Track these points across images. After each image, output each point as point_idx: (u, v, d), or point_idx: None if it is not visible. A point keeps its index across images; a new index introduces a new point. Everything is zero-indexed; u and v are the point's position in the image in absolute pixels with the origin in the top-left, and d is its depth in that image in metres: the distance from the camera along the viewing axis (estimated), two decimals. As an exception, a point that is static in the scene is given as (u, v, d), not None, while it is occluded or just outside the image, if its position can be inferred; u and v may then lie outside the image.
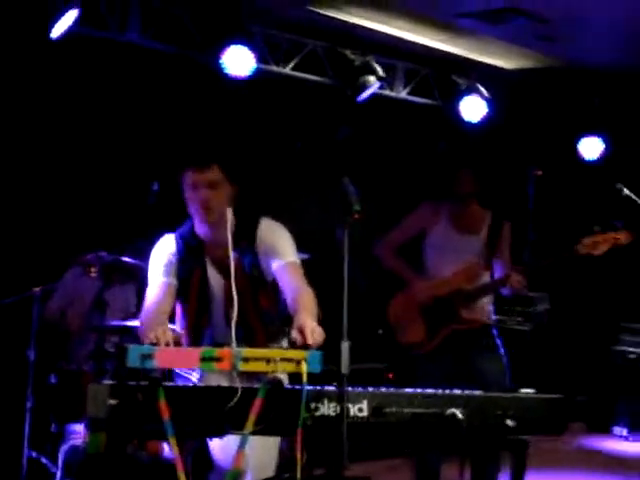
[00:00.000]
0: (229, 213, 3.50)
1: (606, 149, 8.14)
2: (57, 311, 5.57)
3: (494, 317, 4.87)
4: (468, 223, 4.79)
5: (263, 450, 3.33)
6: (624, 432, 8.32)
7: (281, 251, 3.52)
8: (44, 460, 4.93)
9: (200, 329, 3.53)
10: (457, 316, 4.71)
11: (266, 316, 3.53)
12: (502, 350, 4.74)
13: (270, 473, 3.46)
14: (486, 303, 4.79)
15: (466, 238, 4.77)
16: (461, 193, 4.73)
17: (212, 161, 3.47)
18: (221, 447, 3.28)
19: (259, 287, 3.54)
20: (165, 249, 3.58)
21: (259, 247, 3.53)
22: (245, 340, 3.32)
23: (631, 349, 8.19)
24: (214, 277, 3.55)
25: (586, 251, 4.41)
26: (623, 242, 4.37)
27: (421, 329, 4.77)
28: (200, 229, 3.55)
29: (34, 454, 4.96)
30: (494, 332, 4.80)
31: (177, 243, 3.58)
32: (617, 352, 8.27)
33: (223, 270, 3.49)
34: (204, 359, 2.68)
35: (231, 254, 3.40)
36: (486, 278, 4.77)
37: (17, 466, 4.91)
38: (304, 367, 2.71)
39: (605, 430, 8.44)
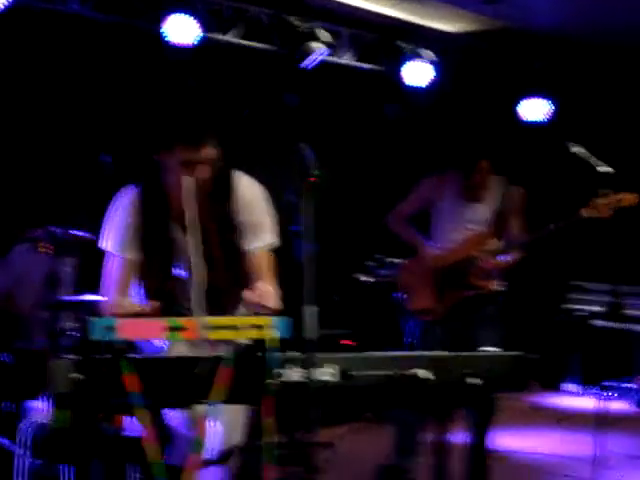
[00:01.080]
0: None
1: (552, 111, 8.22)
2: (4, 294, 5.45)
3: (503, 284, 4.94)
4: (475, 192, 4.87)
5: (230, 418, 3.31)
6: (574, 388, 8.49)
7: (259, 230, 3.41)
8: (0, 440, 4.86)
9: (168, 297, 3.34)
10: (466, 283, 4.81)
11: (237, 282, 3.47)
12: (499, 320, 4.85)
13: (238, 441, 3.45)
14: (494, 270, 4.85)
15: (473, 207, 4.88)
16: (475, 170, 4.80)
17: (208, 137, 3.25)
18: (181, 417, 3.26)
19: (234, 249, 3.40)
20: (126, 207, 3.35)
21: (240, 210, 3.39)
22: (216, 308, 3.26)
23: (579, 307, 8.34)
24: (180, 238, 3.33)
25: (590, 214, 4.45)
26: (627, 203, 4.42)
27: (431, 296, 4.88)
28: (173, 181, 3.29)
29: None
30: (500, 299, 4.91)
31: (140, 198, 3.36)
32: (566, 310, 8.41)
33: (193, 231, 3.28)
34: (169, 329, 2.64)
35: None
36: (495, 245, 4.83)
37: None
38: (271, 333, 2.69)
39: (556, 387, 8.61)
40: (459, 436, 4.55)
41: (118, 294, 3.33)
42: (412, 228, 5.08)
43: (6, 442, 4.79)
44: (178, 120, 3.29)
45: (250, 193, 3.45)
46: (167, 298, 3.34)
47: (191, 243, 3.28)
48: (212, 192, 3.36)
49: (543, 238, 4.67)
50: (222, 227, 3.40)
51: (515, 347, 3.17)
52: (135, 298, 3.47)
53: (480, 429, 4.75)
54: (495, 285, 4.89)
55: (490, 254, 4.79)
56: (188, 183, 3.23)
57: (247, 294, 3.11)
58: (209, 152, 3.25)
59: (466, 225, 4.88)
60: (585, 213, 4.46)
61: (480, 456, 4.77)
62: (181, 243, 3.35)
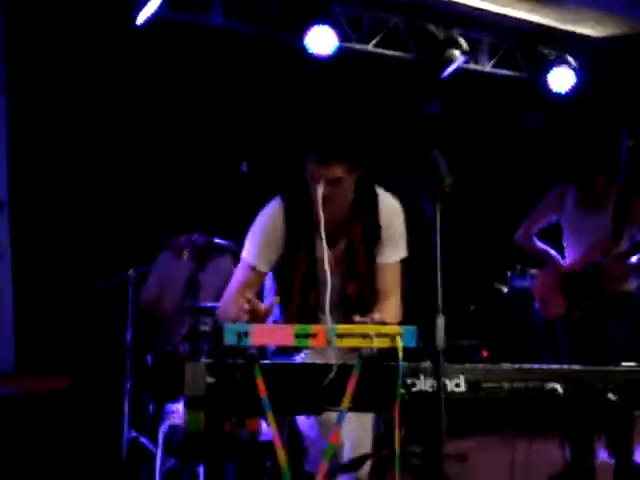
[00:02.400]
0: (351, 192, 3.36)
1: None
2: (152, 294, 5.66)
3: (635, 285, 4.90)
4: (593, 200, 4.88)
5: (359, 426, 3.32)
6: None
7: (393, 244, 3.46)
8: (144, 440, 5.04)
9: (307, 308, 3.38)
10: (598, 287, 4.80)
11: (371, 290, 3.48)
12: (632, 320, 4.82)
13: (367, 449, 3.46)
14: (624, 272, 4.83)
15: (592, 216, 4.87)
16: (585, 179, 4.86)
17: (337, 157, 3.22)
18: (314, 424, 3.29)
19: (372, 262, 3.45)
20: (270, 218, 3.41)
21: (382, 221, 3.44)
22: (348, 313, 3.24)
23: None
24: (324, 248, 3.28)
25: None
26: None
27: (563, 302, 4.92)
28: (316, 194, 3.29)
29: (134, 434, 5.07)
30: (633, 300, 4.87)
31: (285, 209, 3.40)
32: None
33: (334, 241, 3.35)
34: (298, 336, 2.68)
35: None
36: (620, 248, 4.81)
37: (118, 446, 5.03)
38: (400, 342, 2.69)
39: None
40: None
41: (235, 294, 3.34)
42: (539, 242, 5.14)
43: (148, 443, 4.98)
44: (311, 134, 3.33)
45: (391, 210, 3.49)
46: (308, 310, 3.40)
47: (331, 254, 3.32)
48: (356, 205, 3.40)
49: None
50: (367, 240, 3.44)
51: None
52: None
53: (623, 448, 4.57)
54: (628, 286, 4.84)
55: (617, 257, 4.76)
56: (323, 194, 3.25)
57: (374, 316, 3.08)
58: (338, 171, 3.24)
59: (590, 233, 4.87)
60: None
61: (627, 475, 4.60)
62: (321, 254, 3.34)
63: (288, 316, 3.41)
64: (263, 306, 3.01)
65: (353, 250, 3.42)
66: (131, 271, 5.21)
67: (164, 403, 4.86)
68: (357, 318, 2.94)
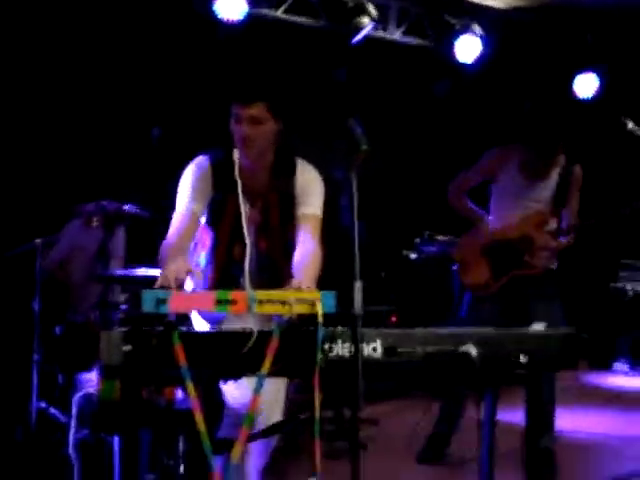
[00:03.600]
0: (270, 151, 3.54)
1: (601, 86, 8.08)
2: (57, 262, 5.56)
3: (556, 263, 4.91)
4: (538, 169, 4.81)
5: (272, 393, 3.34)
6: (625, 368, 8.40)
7: (310, 200, 3.56)
8: (53, 410, 4.96)
9: (232, 260, 3.52)
10: (522, 261, 4.79)
11: (290, 253, 3.54)
12: (558, 298, 4.84)
13: (279, 416, 3.48)
14: (552, 250, 4.84)
15: (535, 184, 4.81)
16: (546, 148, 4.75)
17: (258, 97, 3.42)
18: (233, 390, 3.30)
19: (289, 224, 3.57)
20: (198, 170, 3.53)
21: (297, 188, 3.57)
22: (269, 274, 3.44)
23: (630, 286, 8.24)
24: (245, 206, 3.53)
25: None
26: None
27: (485, 271, 4.88)
28: (240, 156, 3.53)
29: (43, 405, 4.98)
30: (555, 278, 4.88)
31: (212, 165, 3.54)
32: (617, 289, 8.32)
33: (253, 200, 3.51)
34: (219, 302, 2.67)
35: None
36: (553, 225, 4.81)
37: (27, 418, 4.94)
38: (319, 308, 2.70)
39: (606, 366, 8.52)
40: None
41: (178, 241, 3.41)
42: (470, 202, 5.04)
43: (58, 413, 4.90)
44: (234, 77, 3.41)
45: (308, 175, 3.62)
46: (233, 263, 3.51)
47: (250, 213, 3.47)
48: (275, 168, 3.56)
49: (608, 221, 4.68)
50: (283, 199, 3.56)
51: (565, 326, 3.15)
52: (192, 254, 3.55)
53: (533, 405, 4.72)
54: (551, 264, 4.86)
55: (550, 234, 4.76)
56: (246, 156, 3.47)
57: (294, 280, 3.14)
58: (258, 111, 3.40)
59: (527, 202, 4.82)
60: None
61: (537, 433, 4.75)
62: (245, 212, 3.53)
63: (214, 267, 3.54)
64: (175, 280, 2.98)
65: (268, 209, 3.55)
66: (38, 240, 5.09)
67: (74, 373, 4.79)
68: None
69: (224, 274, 3.37)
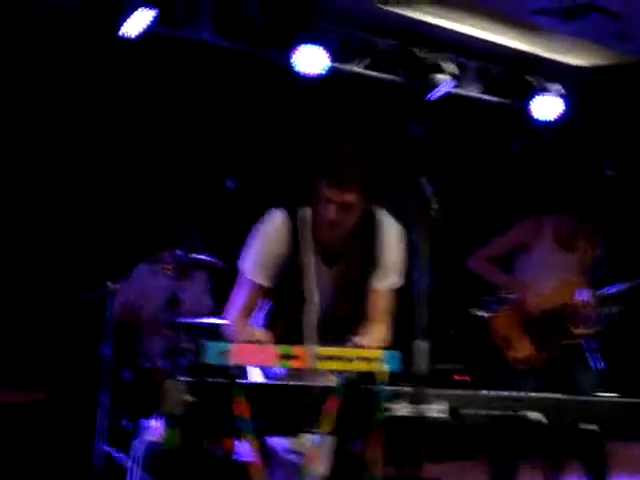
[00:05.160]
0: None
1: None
2: (126, 306, 5.61)
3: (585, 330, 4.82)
4: (569, 240, 4.80)
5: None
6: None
7: (386, 269, 3.45)
8: (116, 454, 4.99)
9: (294, 326, 3.39)
10: (567, 331, 4.71)
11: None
12: (600, 363, 4.77)
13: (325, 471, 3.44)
14: (593, 318, 4.75)
15: (567, 256, 4.80)
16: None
17: (353, 185, 3.26)
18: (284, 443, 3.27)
19: (367, 288, 3.46)
20: (273, 227, 3.41)
21: (378, 249, 3.45)
22: (340, 336, 3.26)
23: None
24: (318, 268, 3.38)
25: None
26: None
27: (529, 344, 4.79)
28: (321, 216, 3.34)
29: (107, 448, 5.02)
30: (594, 344, 4.80)
31: (289, 221, 3.41)
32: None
33: (329, 260, 3.39)
34: (281, 357, 2.67)
35: None
36: (591, 294, 4.74)
37: (90, 460, 4.98)
38: (381, 366, 2.69)
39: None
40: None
41: (241, 315, 3.39)
42: (499, 268, 4.95)
43: (122, 457, 4.94)
44: (333, 158, 3.34)
45: (393, 234, 3.49)
46: (295, 326, 3.39)
47: (326, 274, 3.37)
48: (358, 228, 3.41)
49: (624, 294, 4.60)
50: (365, 262, 3.45)
51: (622, 392, 3.06)
52: (257, 324, 3.52)
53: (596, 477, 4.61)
54: (592, 330, 4.77)
55: (591, 303, 4.68)
56: (331, 218, 3.29)
57: (357, 339, 3.12)
58: (351, 198, 3.27)
59: (560, 272, 4.77)
60: None
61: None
62: (316, 270, 3.40)
63: (275, 331, 3.35)
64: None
65: (351, 272, 3.43)
66: (110, 284, 5.17)
67: (139, 419, 4.83)
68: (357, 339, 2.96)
69: (286, 337, 3.18)
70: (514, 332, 4.83)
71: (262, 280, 3.40)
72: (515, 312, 4.86)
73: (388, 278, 3.46)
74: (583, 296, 4.70)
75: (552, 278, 4.77)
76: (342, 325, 3.39)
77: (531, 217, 4.93)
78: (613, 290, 4.70)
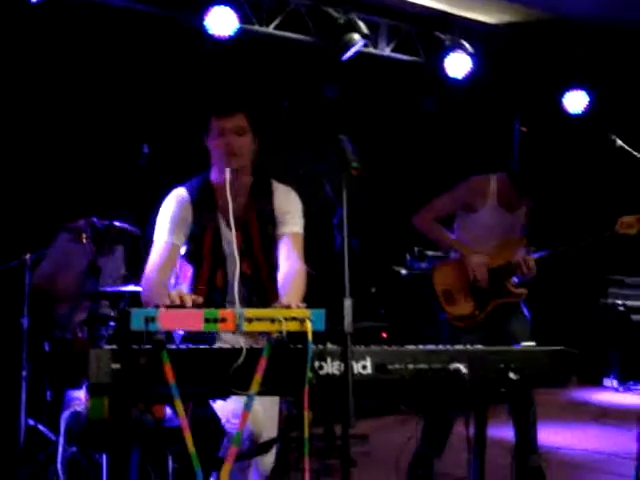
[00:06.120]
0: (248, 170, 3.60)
1: (591, 103, 8.13)
2: (46, 277, 5.53)
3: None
4: (511, 201, 4.85)
5: (264, 410, 3.33)
6: (614, 384, 8.40)
7: (290, 219, 3.59)
8: (42, 428, 4.93)
9: (214, 289, 3.51)
10: (506, 290, 4.79)
11: (274, 274, 3.55)
12: (528, 316, 4.89)
13: (273, 433, 3.47)
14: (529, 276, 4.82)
15: (508, 215, 4.85)
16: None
17: (239, 108, 3.51)
18: (220, 407, 3.29)
19: (272, 244, 3.59)
20: (177, 203, 3.55)
21: (276, 208, 3.60)
22: (257, 297, 3.43)
23: (619, 302, 8.25)
24: (226, 232, 3.53)
25: (623, 231, 4.51)
26: None
27: (470, 302, 4.83)
28: (220, 178, 3.52)
29: (32, 422, 4.95)
30: (522, 302, 4.92)
31: (190, 194, 3.56)
32: (606, 305, 8.33)
33: (236, 224, 3.47)
34: (208, 320, 2.66)
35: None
36: (522, 252, 4.82)
37: (15, 435, 4.90)
38: (309, 325, 2.69)
39: (596, 382, 8.52)
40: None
41: (159, 277, 3.41)
42: (444, 228, 4.97)
43: (46, 431, 4.87)
44: (213, 92, 3.45)
45: (286, 195, 3.66)
46: (215, 291, 3.49)
47: (233, 234, 3.42)
48: (253, 189, 3.60)
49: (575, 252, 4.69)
50: (262, 220, 3.58)
51: (554, 342, 3.14)
52: (173, 287, 3.53)
53: (523, 424, 4.74)
54: (523, 290, 4.87)
55: (530, 261, 4.72)
56: (229, 176, 3.44)
57: (283, 299, 3.20)
58: (241, 122, 3.48)
59: (502, 232, 4.85)
60: (620, 230, 4.53)
61: (525, 452, 4.75)
62: (225, 235, 3.53)
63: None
64: (190, 299, 2.97)
65: (248, 231, 3.55)
66: (27, 255, 5.07)
67: (63, 390, 4.76)
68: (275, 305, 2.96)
69: (207, 303, 3.17)
70: (457, 288, 4.87)
71: (173, 239, 3.50)
72: (459, 269, 4.88)
73: (289, 225, 3.59)
74: (525, 255, 4.77)
75: (495, 238, 4.84)
76: (251, 283, 3.52)
77: (476, 176, 4.93)
78: (544, 253, 4.78)
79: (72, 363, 4.61)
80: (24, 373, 4.98)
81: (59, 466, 3.85)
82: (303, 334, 2.70)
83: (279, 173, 3.77)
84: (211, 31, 6.38)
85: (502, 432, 4.82)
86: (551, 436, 5.87)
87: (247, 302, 3.44)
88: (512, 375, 3.00)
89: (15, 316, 5.08)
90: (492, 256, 4.81)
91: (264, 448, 3.34)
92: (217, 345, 3.02)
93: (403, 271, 6.83)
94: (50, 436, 4.80)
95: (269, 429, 3.41)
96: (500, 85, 8.07)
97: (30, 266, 5.08)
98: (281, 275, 3.50)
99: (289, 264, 3.51)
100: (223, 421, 3.30)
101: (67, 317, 5.38)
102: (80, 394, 3.97)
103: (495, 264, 4.79)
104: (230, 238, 3.47)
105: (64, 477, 3.83)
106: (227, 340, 3.31)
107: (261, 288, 3.55)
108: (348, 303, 2.72)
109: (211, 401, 3.28)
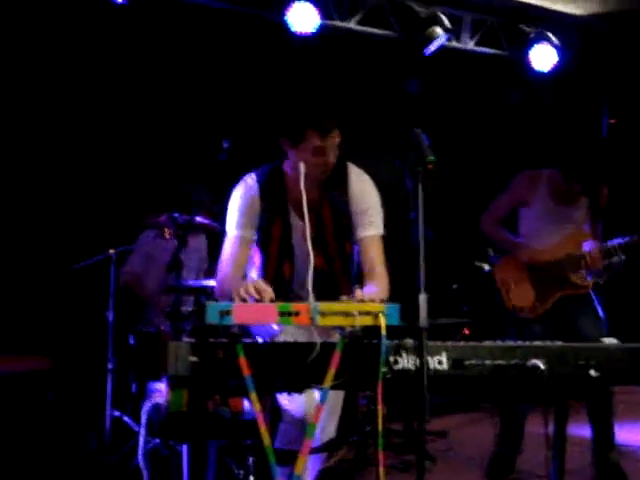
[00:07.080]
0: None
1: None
2: (132, 273, 5.65)
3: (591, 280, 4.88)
4: (565, 194, 4.81)
5: (330, 404, 3.33)
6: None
7: (370, 219, 3.55)
8: (126, 419, 5.04)
9: (281, 280, 3.52)
10: (567, 281, 4.78)
11: (348, 268, 3.53)
12: (601, 314, 4.84)
13: (334, 427, 3.47)
14: (596, 269, 4.80)
15: (564, 209, 4.84)
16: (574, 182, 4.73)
17: (336, 126, 3.43)
18: (292, 401, 3.30)
19: (345, 237, 3.57)
20: (245, 193, 3.55)
21: (351, 200, 3.55)
22: (328, 290, 3.34)
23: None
24: (297, 223, 3.53)
25: None
26: None
27: (530, 293, 4.86)
28: (294, 170, 3.46)
29: (117, 413, 5.07)
30: (594, 296, 4.88)
31: (259, 184, 3.56)
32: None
33: (309, 216, 3.39)
34: (282, 314, 2.67)
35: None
36: (587, 245, 4.79)
37: (101, 425, 5.03)
38: (382, 320, 2.69)
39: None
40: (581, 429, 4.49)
41: (233, 270, 3.45)
42: (505, 229, 5.02)
43: (131, 422, 4.98)
44: (311, 108, 3.41)
45: (361, 185, 3.60)
46: (282, 282, 3.50)
47: (307, 228, 3.36)
48: (327, 180, 3.53)
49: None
50: (336, 213, 3.55)
51: (635, 339, 3.07)
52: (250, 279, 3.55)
53: (602, 422, 4.67)
54: (591, 283, 4.83)
55: (601, 253, 4.72)
56: (304, 170, 3.39)
57: (358, 292, 3.11)
58: (337, 137, 3.43)
59: (561, 225, 4.84)
60: None
61: (605, 449, 4.68)
62: (297, 228, 3.51)
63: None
64: (269, 291, 2.99)
65: (322, 223, 3.54)
66: (112, 250, 5.20)
67: (146, 382, 4.86)
68: (343, 297, 2.94)
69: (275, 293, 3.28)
70: (516, 278, 4.90)
71: (244, 232, 3.51)
72: (517, 262, 4.92)
73: (369, 225, 3.55)
74: (589, 247, 4.74)
75: (553, 232, 4.83)
76: (330, 278, 3.51)
77: (525, 172, 4.97)
78: (616, 242, 4.73)
79: (155, 356, 4.70)
80: (110, 366, 5.11)
81: (140, 457, 3.93)
82: (377, 329, 2.70)
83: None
84: (293, 28, 6.40)
85: (575, 430, 4.73)
86: (631, 435, 5.76)
87: (317, 295, 3.41)
88: (592, 372, 2.94)
89: (100, 311, 5.22)
90: (551, 250, 4.80)
91: (329, 448, 3.35)
92: (282, 339, 3.03)
93: (486, 267, 6.74)
94: (134, 427, 4.91)
95: (332, 424, 3.41)
96: (587, 77, 7.90)
97: (115, 261, 5.20)
98: (366, 283, 3.47)
99: (370, 265, 3.49)
100: (293, 411, 3.31)
101: (151, 311, 5.50)
102: (161, 386, 4.05)
103: (554, 257, 4.78)
104: (300, 229, 3.45)
105: (146, 467, 3.91)
106: (292, 334, 3.29)
107: (332, 281, 3.53)
108: (423, 298, 2.71)
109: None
